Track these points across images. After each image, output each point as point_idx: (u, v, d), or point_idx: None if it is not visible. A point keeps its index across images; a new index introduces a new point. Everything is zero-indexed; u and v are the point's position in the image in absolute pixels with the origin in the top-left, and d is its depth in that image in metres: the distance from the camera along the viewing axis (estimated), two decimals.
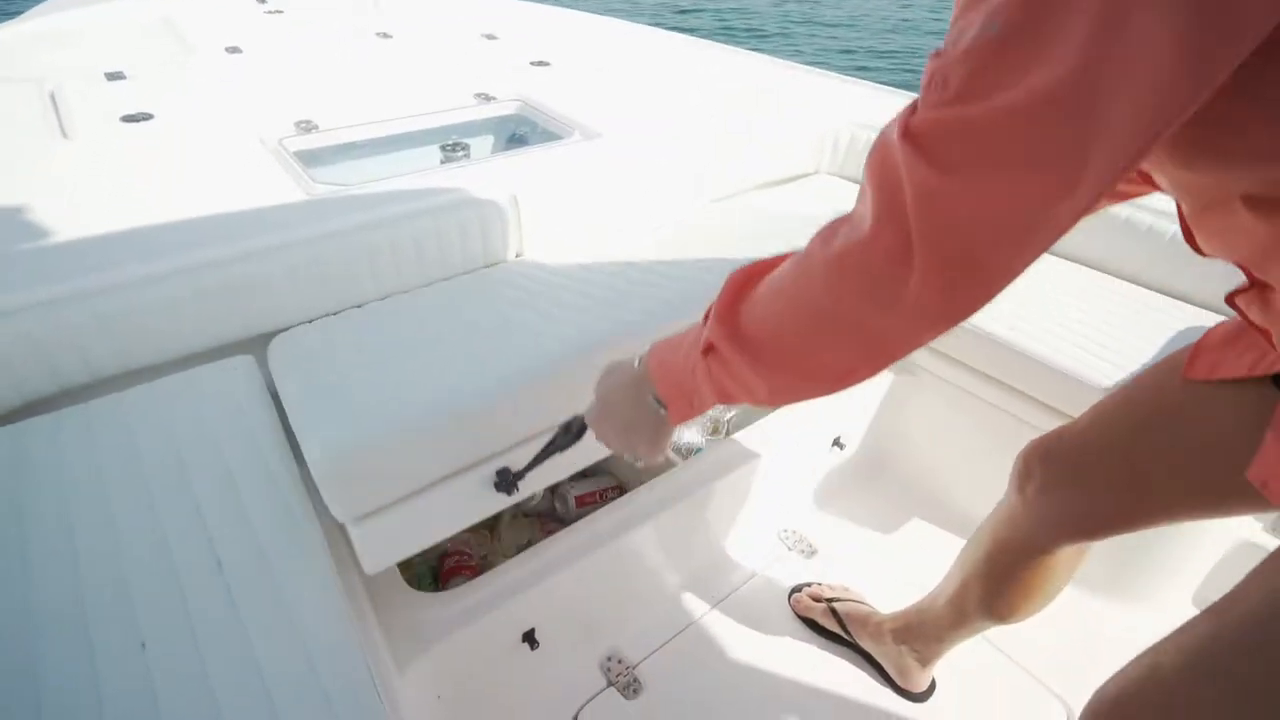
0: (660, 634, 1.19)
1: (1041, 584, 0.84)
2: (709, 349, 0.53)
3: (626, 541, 1.06)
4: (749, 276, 0.52)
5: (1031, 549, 0.82)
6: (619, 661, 1.14)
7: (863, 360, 0.45)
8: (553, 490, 1.37)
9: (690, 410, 0.60)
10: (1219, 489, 0.62)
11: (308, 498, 0.89)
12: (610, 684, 1.11)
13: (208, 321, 1.12)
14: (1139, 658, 0.54)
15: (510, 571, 0.98)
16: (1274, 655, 0.44)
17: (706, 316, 0.55)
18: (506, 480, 0.86)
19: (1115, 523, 0.74)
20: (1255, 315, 0.54)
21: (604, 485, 1.37)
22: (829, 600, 1.20)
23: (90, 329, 1.04)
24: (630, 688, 1.10)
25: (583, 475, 1.45)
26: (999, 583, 0.88)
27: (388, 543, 0.82)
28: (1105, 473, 0.73)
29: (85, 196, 1.27)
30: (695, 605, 1.24)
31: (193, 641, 0.70)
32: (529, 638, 1.00)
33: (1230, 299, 0.56)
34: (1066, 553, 0.81)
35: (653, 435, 0.65)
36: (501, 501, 0.87)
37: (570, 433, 0.77)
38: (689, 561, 1.27)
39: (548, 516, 1.37)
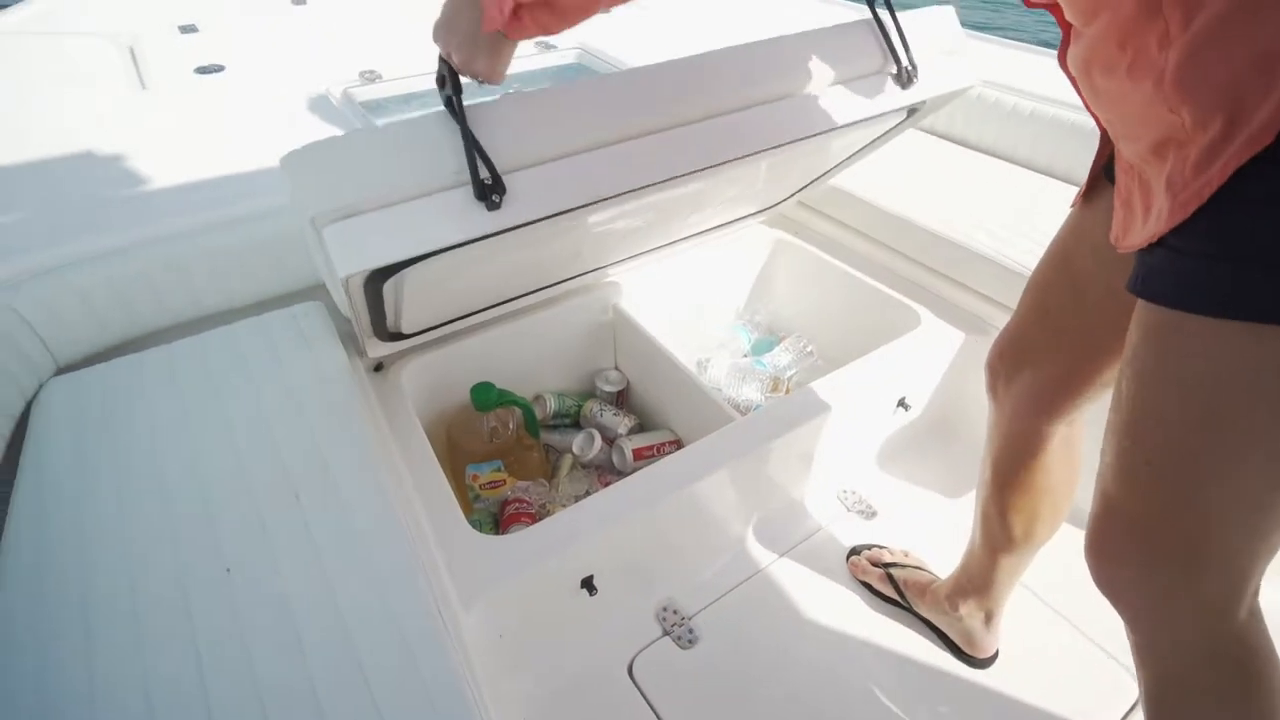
0: (716, 587, 1.19)
1: (1042, 484, 0.86)
2: None
3: (684, 495, 1.05)
4: None
5: (1017, 448, 0.85)
6: (674, 612, 1.15)
7: None
8: (610, 443, 1.38)
9: (499, 15, 0.61)
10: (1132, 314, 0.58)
11: (377, 438, 0.91)
12: (665, 633, 1.12)
13: (277, 268, 1.16)
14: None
15: (570, 519, 0.99)
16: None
17: None
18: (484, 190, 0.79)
19: (1068, 386, 0.78)
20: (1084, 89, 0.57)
21: (662, 440, 1.37)
22: (887, 565, 1.19)
23: (167, 274, 1.08)
24: (685, 638, 1.12)
25: (640, 429, 1.45)
26: (1005, 497, 0.90)
27: (364, 244, 0.77)
28: (1044, 342, 0.78)
29: (164, 146, 1.31)
30: (751, 561, 1.23)
31: (274, 569, 0.74)
32: (588, 584, 1.01)
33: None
34: (1053, 445, 0.83)
35: (469, 36, 0.67)
36: (486, 220, 0.81)
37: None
38: (746, 517, 1.26)
39: (605, 469, 1.38)
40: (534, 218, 0.79)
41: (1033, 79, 1.69)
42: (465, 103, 0.77)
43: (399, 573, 0.75)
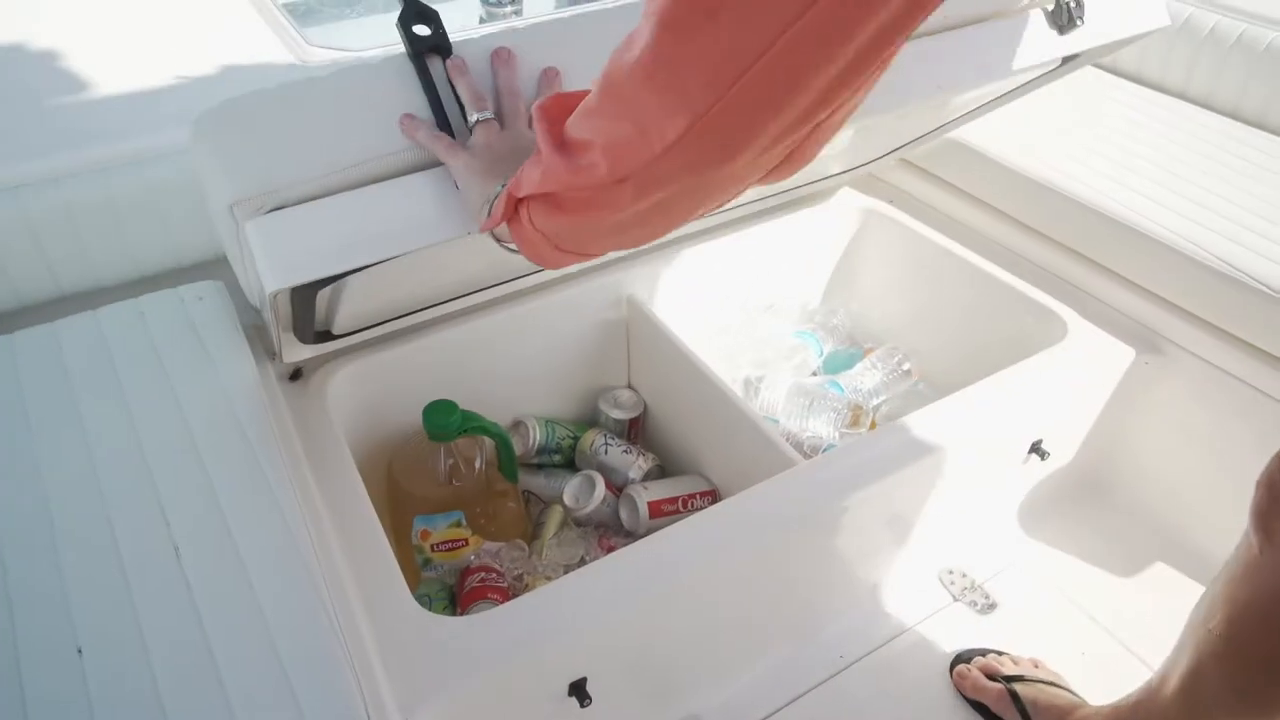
0: (761, 704, 1.19)
1: None
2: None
3: (718, 569, 1.06)
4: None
5: None
6: None
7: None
8: (618, 492, 1.39)
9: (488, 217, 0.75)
10: None
11: (291, 473, 0.93)
12: None
13: (165, 232, 1.19)
14: None
15: (557, 596, 1.00)
16: None
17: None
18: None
19: None
20: None
21: (690, 490, 1.38)
22: (1009, 679, 1.19)
23: (13, 237, 1.12)
24: None
25: (661, 473, 1.47)
26: (1244, 661, 0.89)
27: (303, 246, 0.81)
28: None
29: (18, 66, 1.35)
30: (811, 669, 1.24)
31: (141, 650, 0.76)
32: (578, 690, 1.02)
33: None
34: None
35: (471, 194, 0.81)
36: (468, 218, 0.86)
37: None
38: (806, 605, 1.26)
39: (609, 529, 1.39)
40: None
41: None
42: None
43: (315, 665, 0.76)
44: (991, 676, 1.20)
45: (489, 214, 0.77)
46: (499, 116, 0.84)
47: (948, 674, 1.23)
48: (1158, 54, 1.76)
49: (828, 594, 1.26)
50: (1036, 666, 1.22)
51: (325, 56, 1.40)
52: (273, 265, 0.79)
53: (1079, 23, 1.07)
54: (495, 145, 0.81)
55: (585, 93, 0.65)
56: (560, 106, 0.66)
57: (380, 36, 1.41)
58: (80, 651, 0.76)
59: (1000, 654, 1.24)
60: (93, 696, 0.73)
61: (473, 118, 0.83)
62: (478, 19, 1.65)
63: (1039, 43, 1.07)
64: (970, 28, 0.98)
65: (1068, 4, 1.03)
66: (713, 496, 1.38)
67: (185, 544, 0.85)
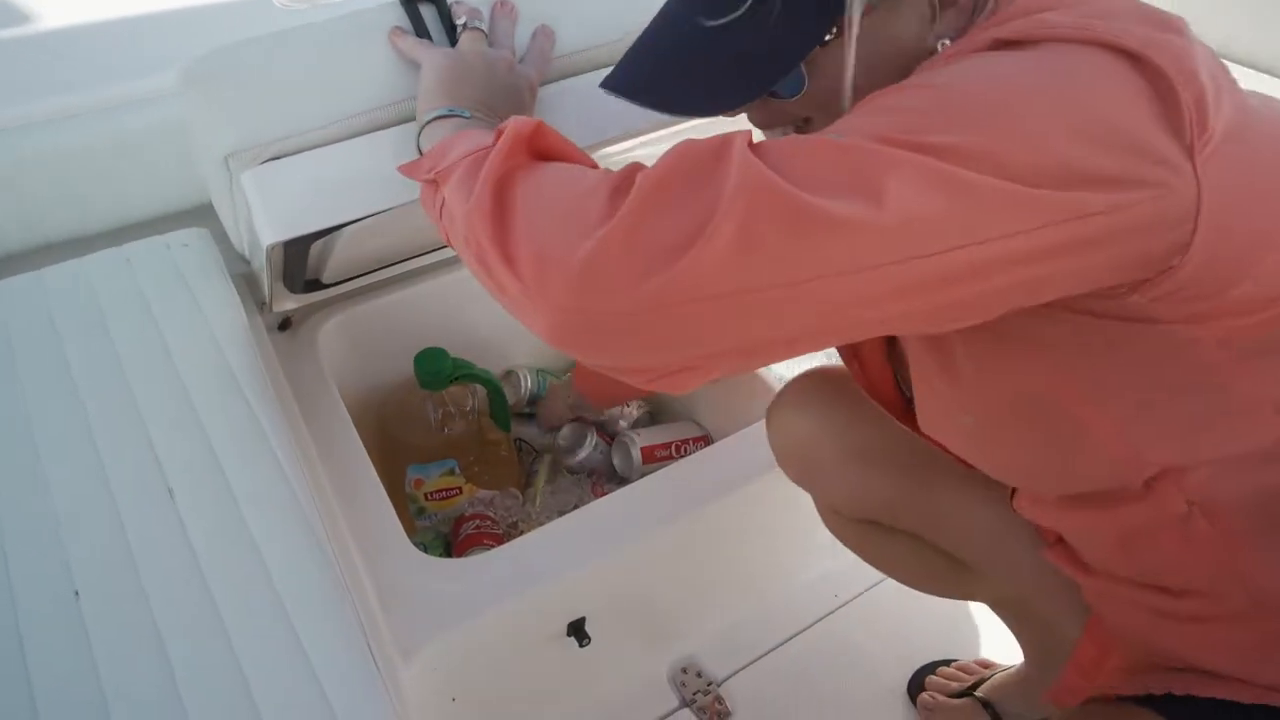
0: (755, 644, 1.20)
1: None
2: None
3: (712, 511, 1.07)
4: (552, 145, 0.62)
5: None
6: (698, 675, 1.16)
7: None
8: (610, 439, 1.39)
9: (413, 164, 0.70)
10: None
11: (285, 421, 0.92)
12: (685, 703, 1.13)
13: (148, 180, 1.17)
14: None
15: (554, 538, 1.00)
16: None
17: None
18: None
19: None
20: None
21: (683, 435, 1.38)
22: (973, 690, 1.17)
23: None
24: (711, 711, 1.13)
25: (652, 419, 1.47)
26: None
27: (300, 197, 0.80)
28: None
29: None
30: (806, 608, 1.25)
31: (138, 590, 0.75)
32: (577, 629, 1.03)
33: None
34: None
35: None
36: None
37: None
38: (800, 545, 1.27)
39: (602, 475, 1.39)
40: None
41: None
42: None
43: (317, 605, 0.76)
44: (954, 696, 1.18)
45: (418, 146, 0.74)
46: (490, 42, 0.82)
47: (936, 620, 1.24)
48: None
49: (820, 534, 1.27)
50: (988, 666, 1.20)
51: (294, 4, 1.36)
52: (271, 217, 0.78)
53: None
54: (470, 57, 0.78)
55: (569, 145, 0.62)
56: (535, 146, 0.62)
57: None
58: (77, 594, 0.75)
59: (948, 664, 1.22)
60: (92, 638, 0.72)
61: (461, 21, 0.81)
62: None
63: None
64: None
65: None
66: (705, 441, 1.38)
67: (180, 488, 0.84)
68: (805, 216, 0.48)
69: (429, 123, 0.73)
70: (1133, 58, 0.53)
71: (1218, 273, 0.54)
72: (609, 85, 0.67)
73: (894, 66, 0.63)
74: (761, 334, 0.51)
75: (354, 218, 0.83)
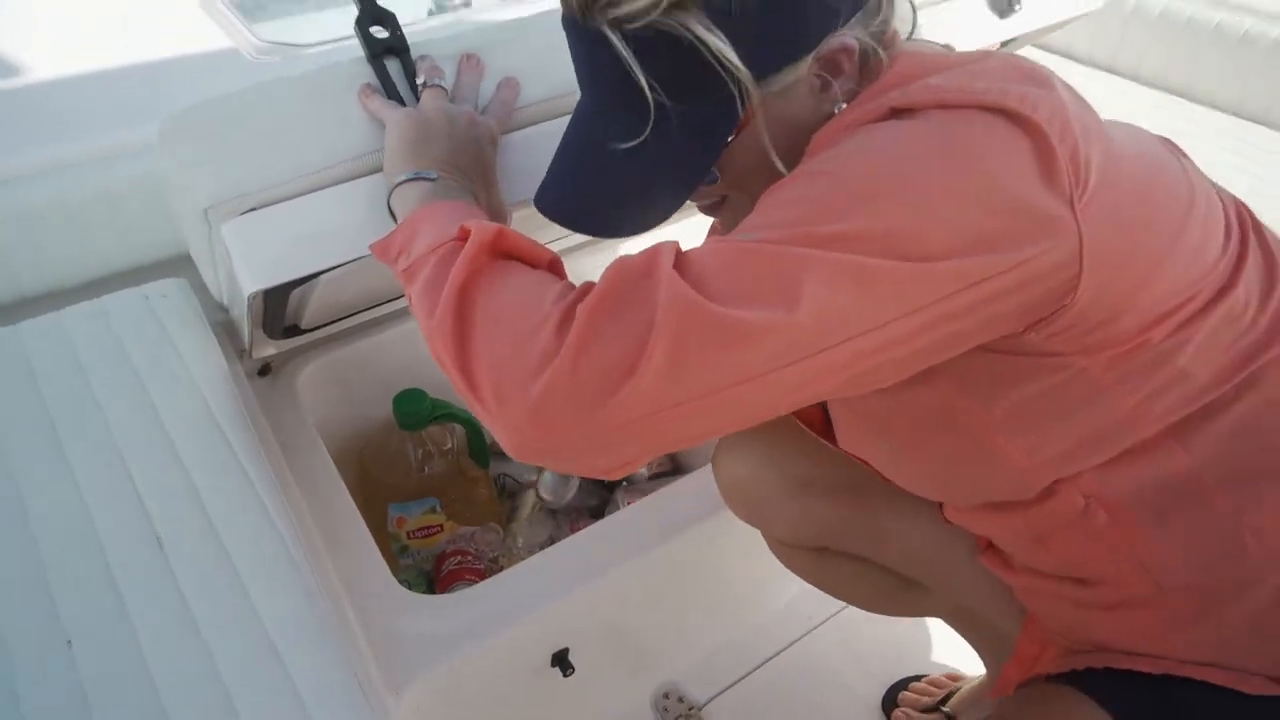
0: (734, 667, 1.23)
1: None
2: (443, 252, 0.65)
3: (687, 541, 1.09)
4: (512, 248, 0.65)
5: None
6: (679, 700, 1.18)
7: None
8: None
9: (384, 244, 0.73)
10: None
11: (271, 465, 0.93)
12: None
13: (124, 232, 1.18)
14: None
15: (535, 572, 1.02)
16: None
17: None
18: None
19: None
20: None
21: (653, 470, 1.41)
22: (940, 706, 1.21)
23: None
24: None
25: None
26: None
27: (279, 246, 0.82)
28: None
29: None
30: (782, 631, 1.27)
31: (130, 638, 0.76)
32: (561, 660, 1.04)
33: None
34: None
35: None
36: None
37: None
38: (772, 572, 1.29)
39: (583, 513, 1.41)
40: (518, 199, 0.84)
41: None
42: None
43: (307, 645, 0.77)
44: (926, 709, 1.21)
45: (389, 208, 0.78)
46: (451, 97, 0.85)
47: (905, 636, 1.27)
48: (1086, 31, 1.82)
49: None
50: (955, 680, 1.24)
51: (274, 52, 1.39)
52: (252, 267, 0.80)
53: (1018, 8, 1.11)
54: (432, 115, 0.80)
55: (528, 244, 0.65)
56: (497, 249, 0.64)
57: (327, 30, 1.40)
58: (70, 643, 0.76)
59: (919, 679, 1.25)
60: (86, 686, 0.73)
61: (420, 80, 0.84)
62: (426, 11, 1.65)
63: (982, 27, 1.11)
64: (920, 13, 1.02)
65: None
66: (677, 472, 1.41)
67: (168, 536, 0.84)
68: (727, 330, 0.53)
69: (396, 186, 0.77)
70: (1012, 116, 0.57)
71: (1103, 307, 0.60)
72: (545, 210, 0.72)
73: (796, 140, 0.67)
74: (701, 430, 0.57)
75: (331, 265, 0.85)
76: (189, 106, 0.81)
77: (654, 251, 0.57)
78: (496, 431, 0.58)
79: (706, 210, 0.78)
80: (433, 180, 0.76)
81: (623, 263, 0.58)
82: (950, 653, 1.26)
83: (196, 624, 0.78)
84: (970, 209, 0.56)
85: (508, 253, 0.65)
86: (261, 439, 1.01)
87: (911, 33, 0.73)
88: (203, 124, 0.82)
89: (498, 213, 0.81)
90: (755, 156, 0.67)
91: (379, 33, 0.85)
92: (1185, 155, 0.72)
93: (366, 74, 0.85)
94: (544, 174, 0.77)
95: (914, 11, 0.72)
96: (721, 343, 0.54)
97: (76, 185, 1.16)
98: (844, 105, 0.67)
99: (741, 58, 0.62)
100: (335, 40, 1.35)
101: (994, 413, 0.66)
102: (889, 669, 1.23)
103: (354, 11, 0.86)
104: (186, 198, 0.83)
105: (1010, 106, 0.57)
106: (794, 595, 1.30)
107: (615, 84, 0.65)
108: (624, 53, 0.63)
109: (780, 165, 0.67)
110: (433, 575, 1.26)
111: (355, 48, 0.85)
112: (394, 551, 1.27)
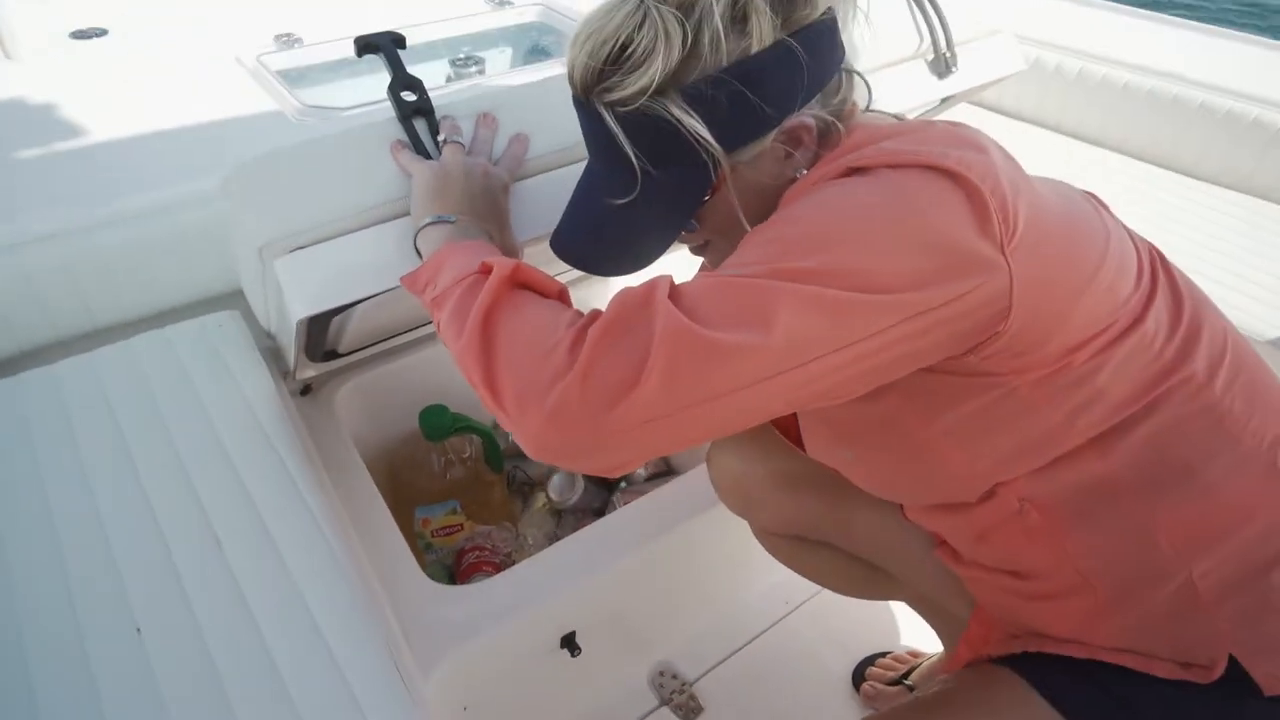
0: (721, 646, 1.23)
1: None
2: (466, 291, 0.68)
3: (680, 535, 1.10)
4: (528, 280, 0.68)
5: None
6: (673, 677, 1.18)
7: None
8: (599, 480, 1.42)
9: (413, 276, 0.76)
10: None
11: (311, 473, 0.94)
12: (664, 702, 1.16)
13: (185, 270, 1.19)
14: None
15: (546, 564, 1.03)
16: None
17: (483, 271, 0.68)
18: None
19: None
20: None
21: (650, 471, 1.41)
22: (904, 679, 1.21)
23: (50, 280, 1.11)
24: (687, 708, 1.15)
25: None
26: None
27: (326, 278, 0.85)
28: None
29: (37, 127, 1.34)
30: (765, 612, 1.28)
31: (194, 626, 0.77)
32: (569, 642, 1.04)
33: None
34: None
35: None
36: None
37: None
38: (754, 561, 1.30)
39: (589, 512, 1.41)
40: (528, 237, 0.86)
41: (1099, 39, 1.78)
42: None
43: (349, 632, 0.78)
44: (893, 684, 1.21)
45: (415, 249, 0.80)
46: (469, 150, 0.87)
47: (873, 617, 1.28)
48: (1014, 89, 1.86)
49: None
50: (915, 656, 1.24)
51: (313, 114, 1.41)
52: (300, 296, 0.81)
53: (954, 70, 1.14)
54: (451, 168, 0.83)
55: (542, 277, 0.68)
56: (516, 280, 0.67)
57: (361, 95, 1.42)
58: (139, 631, 0.76)
59: (885, 655, 1.25)
60: (155, 669, 0.73)
61: (441, 137, 0.86)
62: (444, 78, 1.67)
63: (923, 87, 1.14)
64: (870, 75, 1.05)
65: (945, 55, 1.11)
66: (669, 474, 1.41)
67: (226, 537, 0.85)
68: (714, 350, 0.56)
69: (422, 229, 0.79)
70: (951, 175, 0.60)
71: (1030, 333, 0.63)
72: (557, 252, 0.76)
73: (765, 198, 0.71)
74: (693, 436, 0.60)
75: (367, 295, 0.86)
76: (247, 161, 0.83)
77: (652, 284, 0.60)
78: (518, 435, 0.61)
79: (695, 251, 0.81)
80: (452, 223, 0.78)
81: (626, 294, 0.60)
82: (913, 633, 1.26)
83: (252, 613, 0.78)
84: (915, 251, 0.59)
85: (524, 284, 0.68)
86: (305, 451, 1.02)
87: (869, 104, 0.75)
88: (257, 176, 0.84)
89: (510, 250, 0.83)
90: (728, 211, 0.71)
91: (408, 96, 0.87)
92: (1103, 204, 0.75)
93: (396, 132, 0.87)
94: (550, 216, 0.80)
95: (869, 89, 0.75)
96: (709, 361, 0.56)
97: (145, 231, 1.18)
98: (805, 171, 0.70)
99: (714, 135, 0.65)
100: (367, 104, 1.37)
101: (936, 426, 0.68)
102: (859, 646, 1.24)
103: (383, 80, 0.88)
104: (243, 238, 0.84)
105: (948, 166, 0.60)
106: (773, 583, 1.31)
107: (610, 152, 0.69)
108: (615, 129, 0.67)
109: (745, 222, 0.70)
110: (453, 569, 1.27)
111: (385, 109, 0.87)
112: (420, 548, 1.27)
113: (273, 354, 1.17)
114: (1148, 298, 0.69)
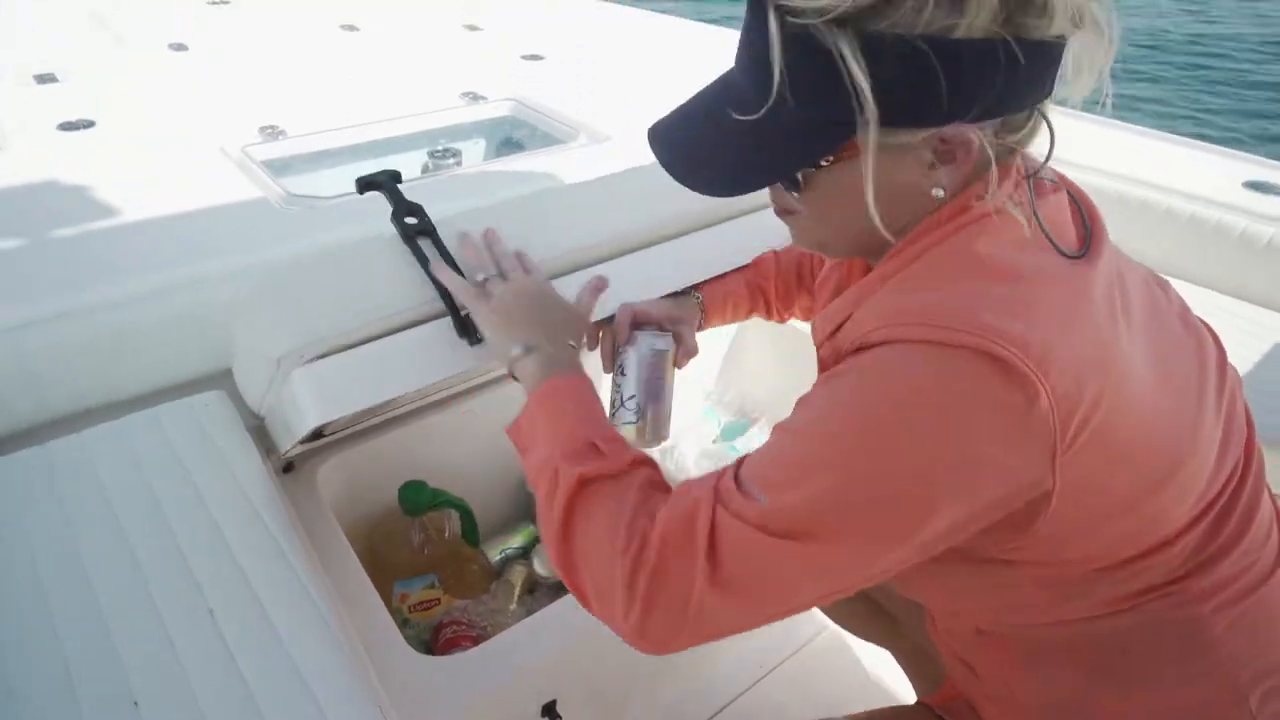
0: (698, 713, 1.26)
1: None
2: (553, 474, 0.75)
3: None
4: (594, 475, 0.73)
5: None
6: None
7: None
8: None
9: (515, 429, 0.83)
10: None
11: (300, 541, 0.98)
12: None
13: (172, 353, 1.23)
14: None
15: (524, 633, 1.06)
16: None
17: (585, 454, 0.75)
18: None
19: None
20: None
21: None
22: None
23: (38, 363, 1.15)
24: None
25: None
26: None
27: (340, 386, 0.91)
28: None
29: (25, 216, 1.39)
30: (737, 679, 1.31)
31: (190, 696, 0.79)
32: (550, 711, 1.07)
33: None
34: None
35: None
36: (470, 355, 0.98)
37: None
38: None
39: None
40: None
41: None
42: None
43: (343, 696, 0.80)
44: None
45: (512, 375, 0.89)
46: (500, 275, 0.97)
47: (848, 676, 1.32)
48: None
49: None
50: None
51: (296, 203, 1.48)
52: (315, 404, 0.90)
53: None
54: (506, 298, 0.92)
55: (612, 459, 0.74)
56: (584, 480, 0.72)
57: (342, 185, 1.50)
58: (136, 704, 0.78)
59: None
60: None
61: (479, 277, 0.95)
62: (421, 168, 1.76)
63: None
64: None
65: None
66: None
67: (219, 608, 0.88)
68: (747, 610, 0.66)
69: (513, 362, 0.88)
70: (1002, 364, 0.55)
71: (1054, 536, 0.63)
72: (653, 142, 0.72)
73: (889, 201, 0.63)
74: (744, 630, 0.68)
75: (379, 401, 0.94)
76: (260, 281, 0.91)
77: (692, 522, 0.64)
78: (604, 622, 0.70)
79: (779, 213, 0.75)
80: (534, 349, 0.87)
81: (669, 525, 0.65)
82: (893, 691, 1.31)
83: (246, 681, 0.81)
84: (960, 473, 0.58)
85: (591, 480, 0.72)
86: (292, 525, 1.05)
87: (1047, 160, 0.65)
88: (271, 291, 0.92)
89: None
90: (840, 191, 0.64)
91: (411, 221, 0.96)
92: (1223, 367, 0.71)
93: (395, 249, 0.95)
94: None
95: (1052, 141, 0.63)
96: (742, 614, 0.66)
97: (135, 315, 1.22)
98: (943, 192, 0.64)
99: (874, 95, 0.57)
100: (349, 194, 1.44)
101: (947, 587, 0.77)
102: (838, 704, 1.26)
103: (361, 169, 0.98)
104: (259, 348, 0.92)
105: (1000, 354, 0.55)
106: (752, 647, 1.34)
107: (757, 59, 0.61)
108: (775, 35, 0.59)
109: (850, 218, 0.65)
110: (431, 644, 1.29)
111: (364, 200, 0.96)
112: (396, 624, 1.29)
113: (257, 432, 1.21)
114: (1193, 521, 0.66)
